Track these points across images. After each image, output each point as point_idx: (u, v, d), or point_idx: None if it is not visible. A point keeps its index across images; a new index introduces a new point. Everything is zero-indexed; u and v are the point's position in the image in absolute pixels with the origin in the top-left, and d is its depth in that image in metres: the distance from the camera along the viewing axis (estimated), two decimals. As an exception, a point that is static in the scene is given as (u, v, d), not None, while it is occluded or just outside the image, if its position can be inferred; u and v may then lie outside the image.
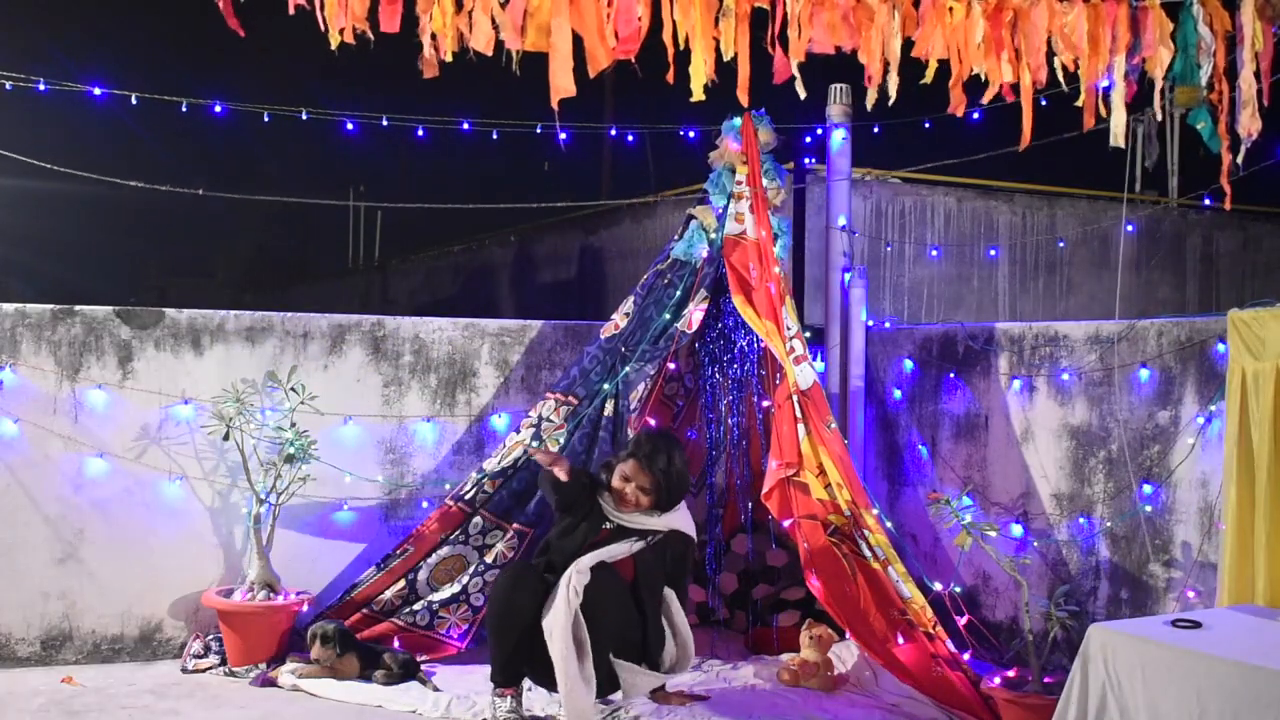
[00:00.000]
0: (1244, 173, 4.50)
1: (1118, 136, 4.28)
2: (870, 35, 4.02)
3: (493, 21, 3.69)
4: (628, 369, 5.39)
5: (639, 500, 4.68)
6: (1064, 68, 4.24)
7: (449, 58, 3.76)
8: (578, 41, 3.74)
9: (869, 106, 4.24)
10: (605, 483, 4.76)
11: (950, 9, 4.08)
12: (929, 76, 4.18)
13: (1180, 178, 9.28)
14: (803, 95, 4.10)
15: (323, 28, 3.69)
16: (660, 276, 5.58)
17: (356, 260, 17.46)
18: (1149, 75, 4.26)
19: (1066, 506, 5.22)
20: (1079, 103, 4.30)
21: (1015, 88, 4.25)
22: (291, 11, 3.67)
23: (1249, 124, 4.24)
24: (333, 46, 3.71)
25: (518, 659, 4.45)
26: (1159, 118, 4.33)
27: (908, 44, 4.14)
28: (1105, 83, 4.28)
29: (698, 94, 3.90)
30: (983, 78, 4.20)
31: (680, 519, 4.76)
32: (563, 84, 3.68)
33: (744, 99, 4.00)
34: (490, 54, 3.74)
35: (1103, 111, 4.34)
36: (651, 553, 4.68)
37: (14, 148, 5.85)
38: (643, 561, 4.67)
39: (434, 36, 3.74)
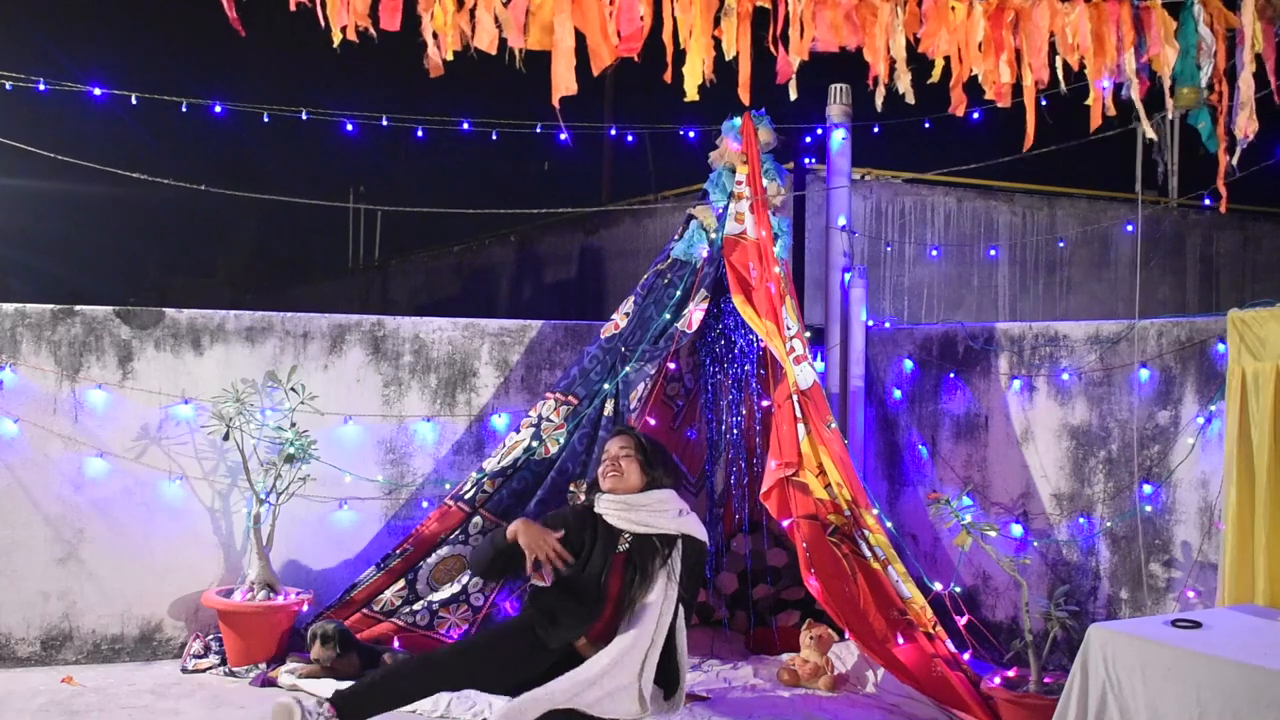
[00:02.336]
0: (1241, 174, 4.49)
1: (1148, 131, 4.28)
2: (874, 34, 4.01)
3: (495, 20, 3.69)
4: (628, 369, 5.39)
5: (626, 467, 4.34)
6: (1066, 67, 4.23)
7: (450, 56, 3.75)
8: (580, 40, 3.74)
9: (878, 106, 4.20)
10: (593, 497, 4.45)
11: (953, 8, 4.07)
12: (935, 75, 4.17)
13: (1180, 178, 9.29)
14: (794, 96, 4.09)
15: (324, 25, 3.69)
16: (660, 276, 5.58)
17: (356, 260, 17.47)
18: (1156, 75, 4.25)
19: (1066, 506, 5.22)
20: (1088, 101, 4.29)
21: (1014, 89, 4.24)
22: (293, 8, 3.67)
23: (1245, 125, 4.24)
24: (334, 44, 3.70)
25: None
26: (1170, 115, 4.33)
27: (912, 43, 4.14)
28: (1107, 82, 4.28)
29: (691, 94, 3.89)
30: (980, 79, 4.20)
31: (693, 523, 4.43)
32: (565, 81, 3.68)
33: (745, 97, 4.00)
34: (494, 53, 3.74)
35: (1109, 110, 4.33)
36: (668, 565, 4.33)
37: (14, 147, 5.85)
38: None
39: (435, 35, 3.73)
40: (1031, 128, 4.32)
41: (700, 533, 4.45)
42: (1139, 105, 4.24)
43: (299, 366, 5.61)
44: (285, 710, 3.93)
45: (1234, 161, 4.39)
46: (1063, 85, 4.28)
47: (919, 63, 4.17)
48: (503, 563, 4.32)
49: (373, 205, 15.96)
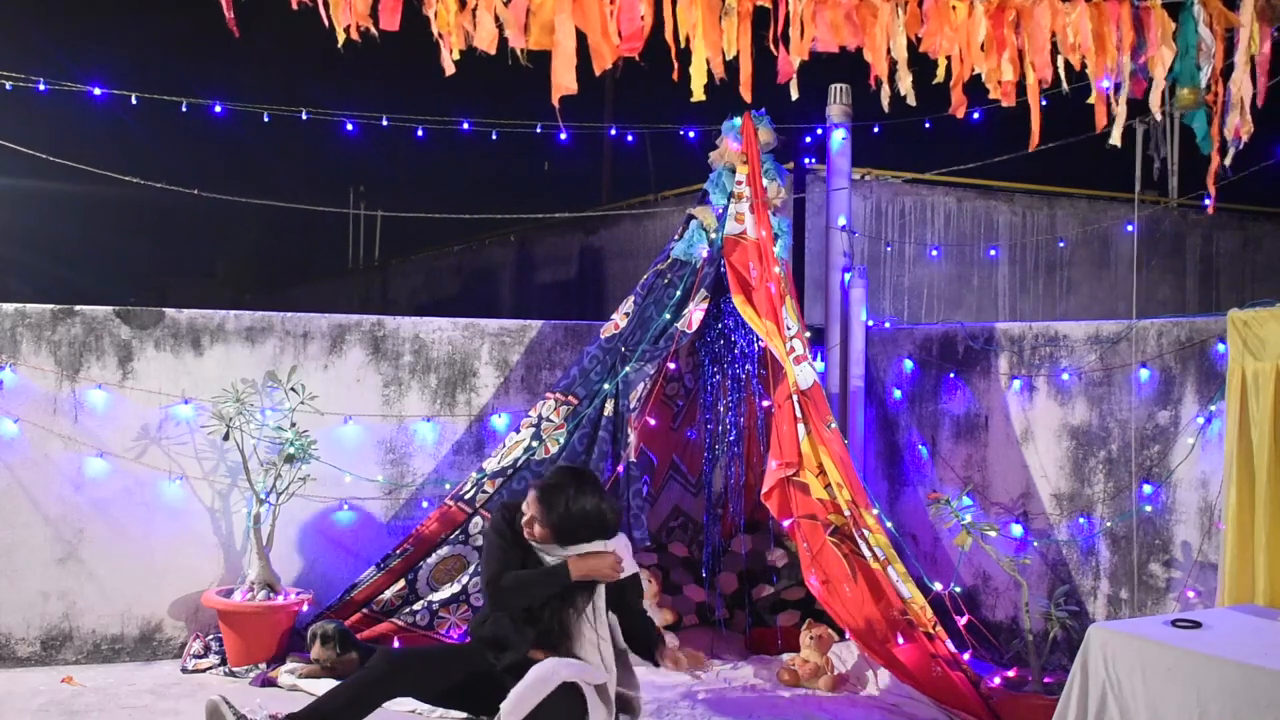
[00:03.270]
0: (1234, 176, 4.48)
1: (1116, 136, 4.27)
2: (874, 34, 4.01)
3: (496, 20, 3.69)
4: (628, 369, 5.39)
5: (535, 531, 4.09)
6: (1069, 67, 4.23)
7: (456, 55, 3.75)
8: (581, 40, 3.74)
9: (885, 107, 4.19)
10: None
11: (954, 7, 4.07)
12: (940, 75, 4.17)
13: (1180, 178, 9.29)
14: (795, 96, 4.09)
15: (327, 25, 3.69)
16: (660, 276, 5.57)
17: (356, 260, 17.49)
18: (1151, 75, 4.25)
19: (1066, 506, 5.22)
20: (1090, 99, 4.28)
21: (1016, 88, 4.24)
22: (295, 7, 3.66)
23: (1235, 125, 4.23)
24: (339, 44, 3.71)
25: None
26: (1158, 118, 4.32)
27: (913, 43, 4.13)
28: (1107, 83, 4.28)
29: (698, 94, 3.89)
30: (983, 78, 4.19)
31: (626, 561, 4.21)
32: (564, 82, 3.68)
33: (747, 96, 4.00)
34: (494, 53, 3.73)
35: (1115, 109, 4.32)
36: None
37: (13, 147, 5.85)
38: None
39: (439, 36, 3.73)
40: (1036, 126, 4.31)
41: (629, 567, 4.20)
42: (1121, 107, 4.23)
43: (299, 366, 5.61)
44: (213, 709, 3.93)
45: (1226, 163, 4.38)
46: (1064, 85, 4.27)
47: (920, 63, 4.16)
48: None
49: (371, 210, 15.98)
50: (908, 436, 6.05)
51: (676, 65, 3.83)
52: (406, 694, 4.04)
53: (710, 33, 3.81)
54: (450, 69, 3.75)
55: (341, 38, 3.69)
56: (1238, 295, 8.99)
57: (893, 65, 4.09)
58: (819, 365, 5.94)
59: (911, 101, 4.16)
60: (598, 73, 3.75)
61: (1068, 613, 4.55)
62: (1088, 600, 5.09)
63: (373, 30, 3.69)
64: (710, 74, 3.85)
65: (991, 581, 5.58)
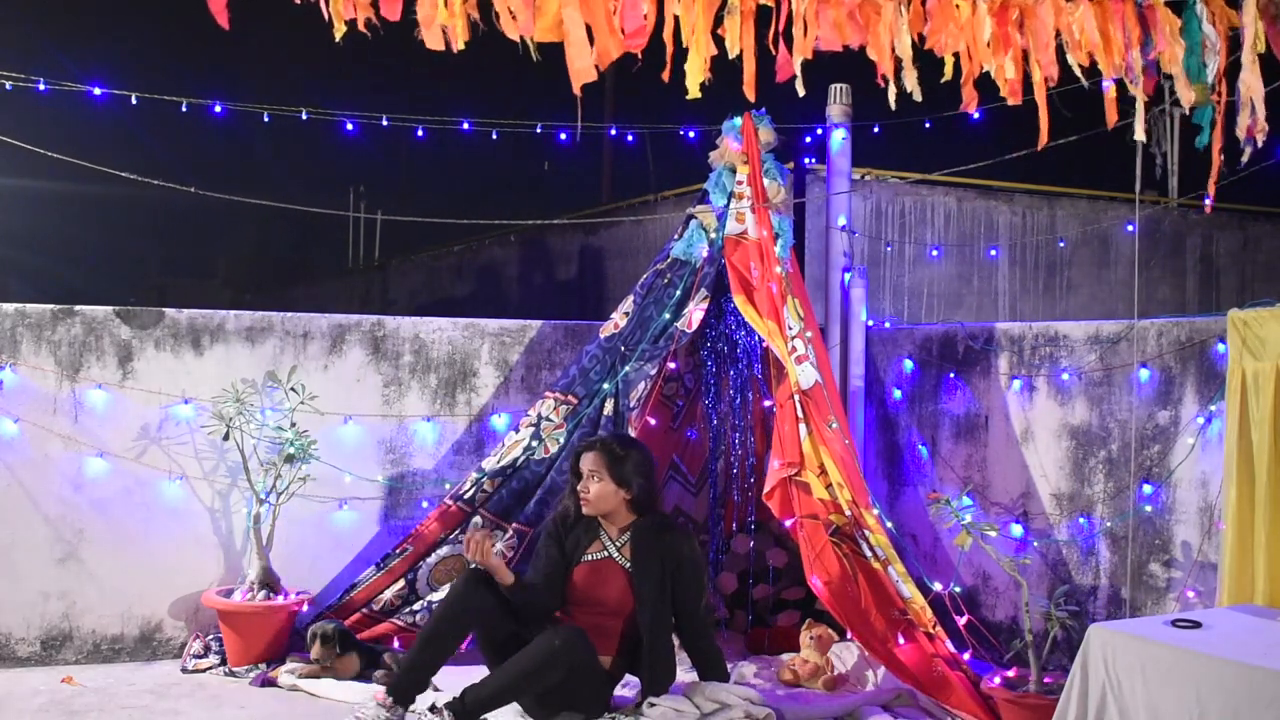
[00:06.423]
0: (1245, 172, 4.47)
1: (1139, 131, 4.26)
2: (879, 32, 3.99)
3: (502, 11, 3.66)
4: (627, 368, 5.39)
5: (593, 490, 4.57)
6: (1079, 65, 4.21)
7: (460, 45, 3.72)
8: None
9: (892, 105, 4.18)
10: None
11: (957, 6, 4.06)
12: (948, 73, 4.15)
13: (1180, 178, 9.29)
14: (801, 93, 4.08)
15: (327, 18, 3.67)
16: (660, 276, 5.57)
17: (356, 260, 17.49)
18: (1165, 71, 4.23)
19: (1066, 506, 5.22)
20: (1109, 94, 4.26)
21: (1023, 86, 4.22)
22: (297, 2, 3.64)
23: (1245, 124, 4.22)
24: (337, 38, 3.69)
25: (423, 672, 4.34)
26: (1186, 110, 4.30)
27: (916, 42, 4.12)
28: (1125, 80, 4.26)
29: (693, 92, 3.87)
30: (992, 75, 4.17)
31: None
32: (582, 68, 3.64)
33: (750, 95, 3.99)
34: (515, 38, 3.69)
35: (1135, 102, 4.29)
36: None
37: (14, 147, 5.84)
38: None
39: (443, 26, 3.70)
40: (1045, 125, 4.29)
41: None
42: (1139, 102, 4.22)
43: (299, 366, 5.61)
44: None
45: (1243, 160, 4.36)
46: (1084, 82, 4.24)
47: (924, 61, 4.15)
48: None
49: (371, 210, 15.98)
50: (908, 436, 6.05)
51: (670, 64, 3.81)
52: (478, 626, 4.43)
53: (709, 31, 3.80)
54: (439, 45, 3.70)
55: (340, 31, 3.66)
56: (1238, 295, 8.99)
57: (898, 63, 4.07)
58: (819, 365, 5.94)
59: (918, 98, 4.14)
60: (602, 68, 3.73)
61: (1068, 613, 4.54)
62: (1088, 600, 5.09)
63: (374, 20, 3.66)
64: (708, 72, 3.84)
65: (991, 581, 5.58)
